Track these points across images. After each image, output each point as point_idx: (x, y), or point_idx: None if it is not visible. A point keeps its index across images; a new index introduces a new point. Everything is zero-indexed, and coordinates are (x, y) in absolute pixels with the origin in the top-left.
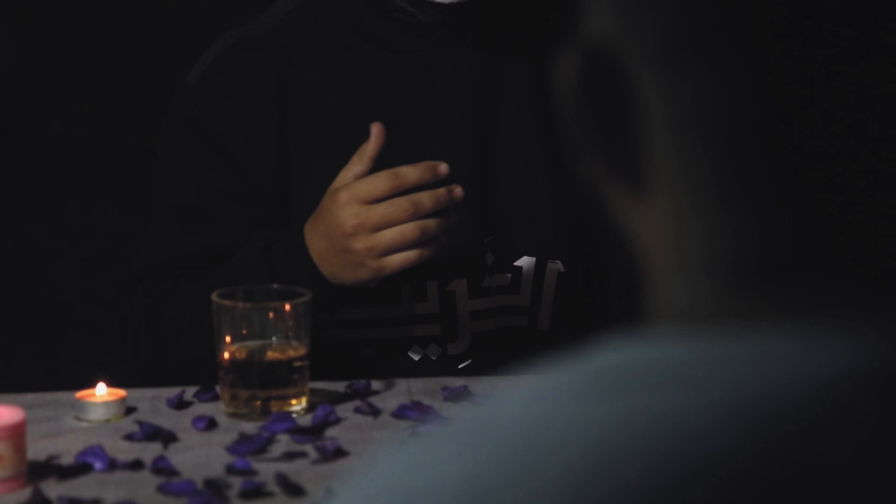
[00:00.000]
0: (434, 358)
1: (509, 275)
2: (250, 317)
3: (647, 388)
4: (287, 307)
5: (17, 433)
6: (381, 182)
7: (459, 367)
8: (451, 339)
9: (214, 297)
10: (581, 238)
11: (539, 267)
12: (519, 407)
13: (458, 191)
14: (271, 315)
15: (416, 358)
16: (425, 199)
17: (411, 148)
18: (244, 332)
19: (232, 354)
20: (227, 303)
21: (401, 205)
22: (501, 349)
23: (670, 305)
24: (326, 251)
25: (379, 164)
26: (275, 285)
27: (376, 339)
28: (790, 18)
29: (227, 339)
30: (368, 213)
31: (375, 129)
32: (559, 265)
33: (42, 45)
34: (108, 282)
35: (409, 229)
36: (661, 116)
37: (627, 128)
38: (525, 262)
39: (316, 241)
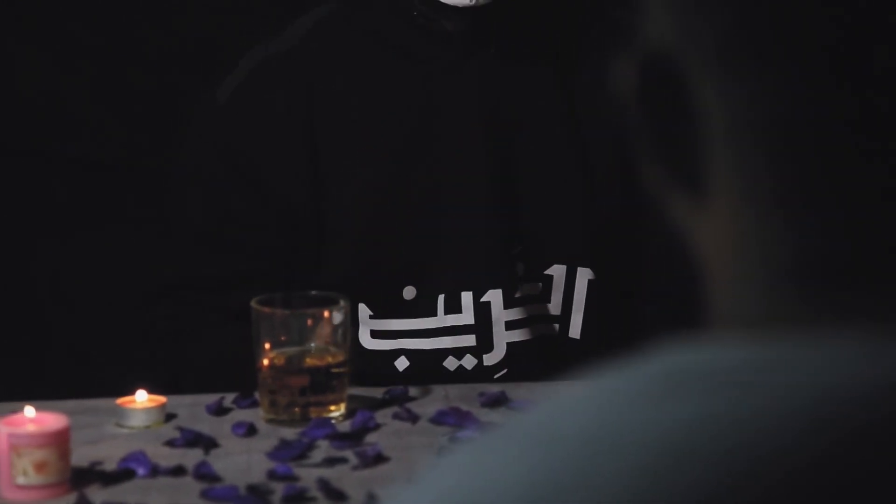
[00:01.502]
0: (469, 368)
1: (540, 284)
2: (289, 323)
3: (706, 392)
4: (326, 314)
5: (61, 440)
6: None
7: (495, 377)
8: (486, 349)
9: (253, 303)
10: (613, 245)
11: (569, 275)
12: (580, 410)
13: None
14: (310, 322)
15: (452, 369)
16: None
17: (438, 159)
18: (283, 338)
19: (271, 361)
20: (266, 310)
21: None
22: (535, 358)
23: (728, 309)
24: None
25: (410, 175)
26: (313, 291)
27: (411, 349)
28: (849, 21)
29: (267, 345)
30: None
31: None
32: (589, 272)
33: (66, 65)
34: (131, 296)
35: None
36: (721, 121)
37: (686, 133)
38: (555, 270)
39: None
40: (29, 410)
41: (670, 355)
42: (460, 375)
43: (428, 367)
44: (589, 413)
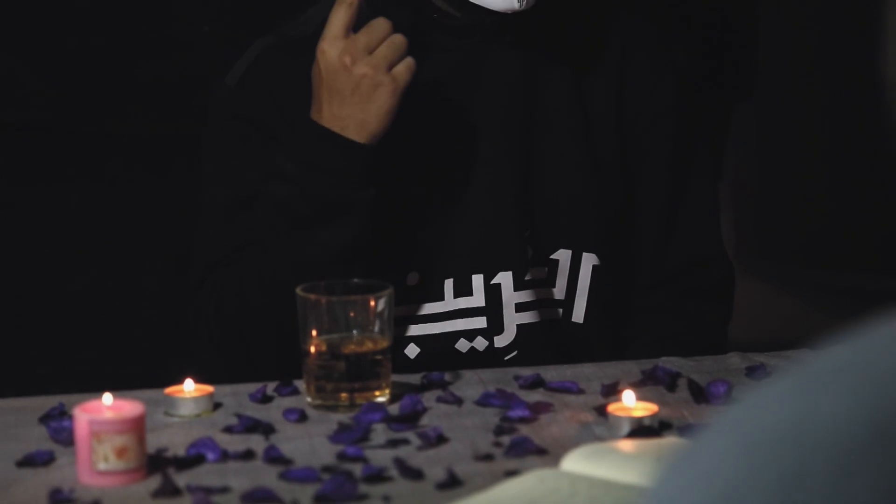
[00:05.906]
0: (481, 350)
1: (546, 268)
2: (334, 310)
3: None
4: (371, 302)
5: (139, 426)
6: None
7: (505, 359)
8: (497, 331)
9: (299, 291)
10: (618, 231)
11: (574, 260)
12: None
13: None
14: (352, 312)
15: (464, 351)
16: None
17: (454, 144)
18: (328, 325)
19: (318, 347)
20: (312, 297)
21: (378, 24)
22: (543, 341)
23: None
24: (340, 105)
25: (420, 157)
26: (355, 280)
27: (420, 335)
28: None
29: (314, 332)
30: (353, 40)
31: None
32: (595, 258)
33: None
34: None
35: (396, 37)
36: None
37: None
38: (561, 255)
39: (326, 110)
40: (106, 398)
41: None
42: (472, 358)
43: (438, 351)
44: None
